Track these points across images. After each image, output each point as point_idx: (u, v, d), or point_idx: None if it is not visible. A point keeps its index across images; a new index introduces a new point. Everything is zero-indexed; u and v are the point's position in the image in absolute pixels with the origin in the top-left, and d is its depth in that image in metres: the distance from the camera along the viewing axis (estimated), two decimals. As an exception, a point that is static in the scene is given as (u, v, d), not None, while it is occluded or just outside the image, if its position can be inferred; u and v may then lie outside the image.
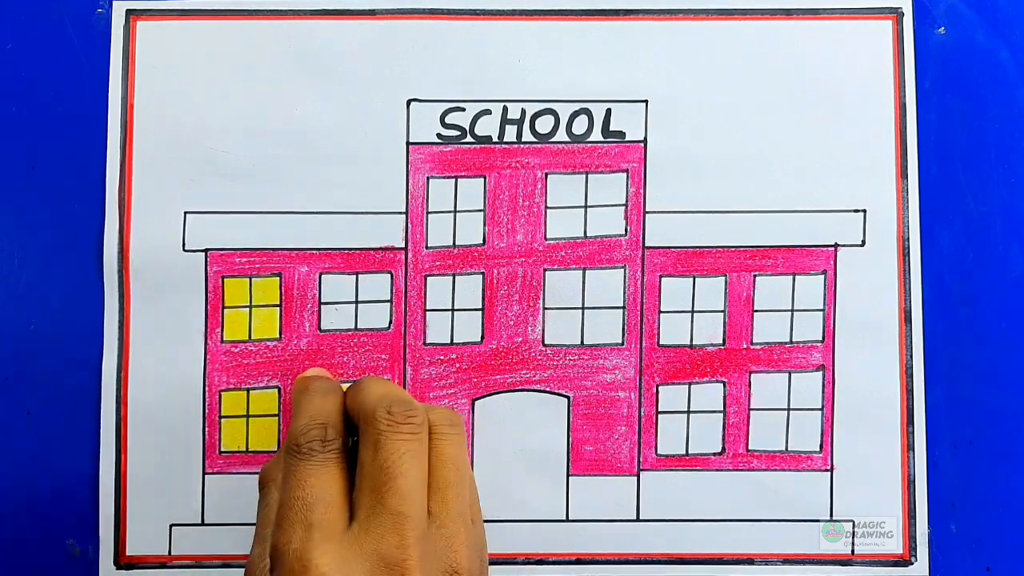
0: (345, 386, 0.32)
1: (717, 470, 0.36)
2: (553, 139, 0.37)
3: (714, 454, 0.37)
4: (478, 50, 0.37)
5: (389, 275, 0.37)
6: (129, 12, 0.37)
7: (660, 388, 0.37)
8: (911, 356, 0.37)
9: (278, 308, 0.36)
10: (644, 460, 0.37)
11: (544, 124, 0.37)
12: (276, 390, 0.36)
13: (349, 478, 0.28)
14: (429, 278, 0.37)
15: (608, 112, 0.37)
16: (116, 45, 0.37)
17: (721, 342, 0.37)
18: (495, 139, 0.37)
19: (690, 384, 0.37)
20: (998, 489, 0.37)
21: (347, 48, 0.37)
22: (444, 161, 0.37)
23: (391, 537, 0.26)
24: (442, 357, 0.36)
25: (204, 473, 0.36)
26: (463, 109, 0.37)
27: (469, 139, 0.37)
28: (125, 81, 0.37)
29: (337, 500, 0.27)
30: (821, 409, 0.37)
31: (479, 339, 0.36)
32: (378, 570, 0.26)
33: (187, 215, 0.36)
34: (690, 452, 0.37)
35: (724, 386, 0.37)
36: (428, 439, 0.29)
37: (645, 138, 0.37)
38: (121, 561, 0.36)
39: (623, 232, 0.37)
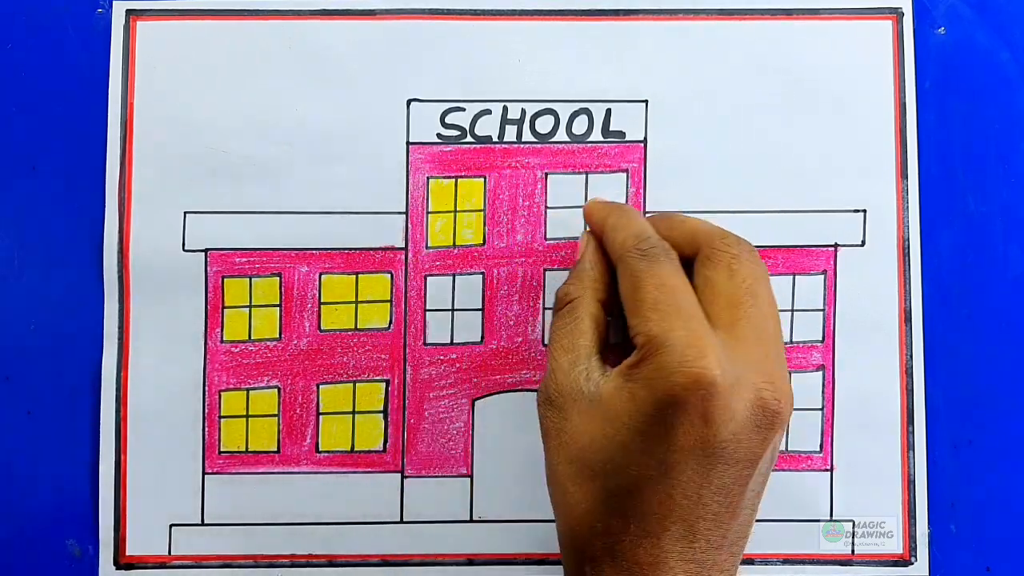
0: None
1: (717, 470, 0.36)
2: (553, 139, 0.37)
3: (714, 454, 0.37)
4: (478, 50, 0.37)
5: (389, 275, 0.37)
6: (129, 12, 0.37)
7: (660, 388, 0.37)
8: (911, 356, 0.37)
9: (278, 308, 0.36)
10: (644, 460, 0.36)
11: (544, 124, 0.37)
12: (276, 390, 0.36)
13: None
14: (429, 278, 0.37)
15: (608, 112, 0.37)
16: (116, 45, 0.37)
17: (721, 342, 0.37)
18: (495, 139, 0.37)
19: (690, 384, 0.37)
20: (998, 489, 0.37)
21: (347, 48, 0.37)
22: (444, 161, 0.37)
23: (760, 349, 0.27)
24: (442, 357, 0.36)
25: (204, 473, 0.36)
26: (463, 109, 0.37)
27: (469, 139, 0.37)
28: (125, 81, 0.37)
29: (698, 303, 0.28)
30: (821, 409, 0.37)
31: (479, 339, 0.36)
32: (756, 375, 0.27)
33: (187, 215, 0.36)
34: (690, 452, 0.37)
35: (724, 386, 0.37)
36: None
37: (645, 138, 0.37)
38: (121, 561, 0.36)
39: (623, 232, 0.37)
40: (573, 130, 0.37)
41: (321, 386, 0.36)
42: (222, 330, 0.36)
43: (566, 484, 0.28)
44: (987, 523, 0.37)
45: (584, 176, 0.37)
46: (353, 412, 0.36)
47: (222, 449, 0.36)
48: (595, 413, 0.27)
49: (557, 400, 0.28)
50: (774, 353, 0.28)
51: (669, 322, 0.26)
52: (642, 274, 0.28)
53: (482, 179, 0.37)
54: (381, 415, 0.36)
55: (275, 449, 0.36)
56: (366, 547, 0.36)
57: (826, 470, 0.36)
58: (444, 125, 0.37)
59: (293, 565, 0.36)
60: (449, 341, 0.37)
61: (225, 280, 0.36)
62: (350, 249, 0.37)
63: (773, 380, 0.27)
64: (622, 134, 0.37)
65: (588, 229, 0.32)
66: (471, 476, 0.36)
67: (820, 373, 0.37)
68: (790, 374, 0.30)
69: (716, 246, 0.29)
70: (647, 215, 0.35)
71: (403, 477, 0.36)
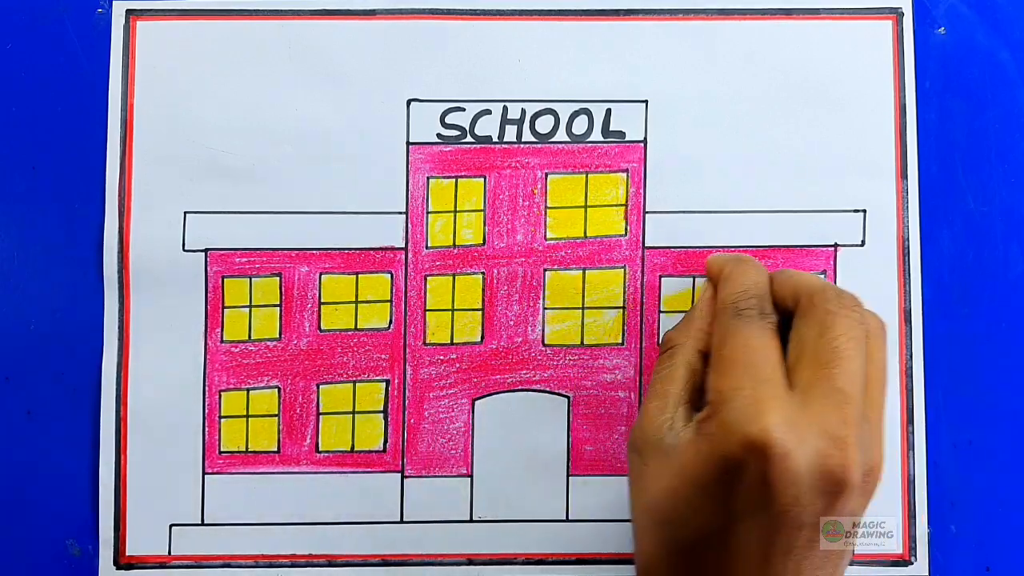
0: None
1: (717, 470, 0.36)
2: (553, 139, 0.37)
3: (714, 454, 0.37)
4: (478, 50, 0.37)
5: (389, 275, 0.37)
6: (129, 12, 0.37)
7: (660, 388, 0.37)
8: (911, 356, 0.37)
9: (278, 308, 0.36)
10: (644, 460, 0.36)
11: (544, 124, 0.37)
12: (276, 390, 0.36)
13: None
14: (429, 278, 0.37)
15: (608, 112, 0.37)
16: (116, 45, 0.37)
17: (721, 342, 0.37)
18: (495, 139, 0.37)
19: (690, 384, 0.37)
20: (998, 489, 0.37)
21: (347, 48, 0.37)
22: (444, 161, 0.37)
23: (835, 412, 0.26)
24: (442, 357, 0.36)
25: (204, 473, 0.36)
26: (463, 109, 0.37)
27: (469, 139, 0.37)
28: (125, 81, 0.37)
29: (780, 365, 0.27)
30: (821, 409, 0.37)
31: (479, 339, 0.37)
32: (822, 439, 0.25)
33: (187, 215, 0.36)
34: (690, 452, 0.37)
35: (724, 386, 0.37)
36: None
37: (645, 138, 0.37)
38: (121, 561, 0.36)
39: (623, 232, 0.37)
40: (573, 130, 0.37)
41: (321, 386, 0.36)
42: (222, 330, 0.36)
43: (639, 531, 0.28)
44: (987, 523, 0.37)
45: (584, 176, 0.37)
46: (353, 412, 0.36)
47: (222, 449, 0.36)
48: (669, 463, 0.27)
49: (640, 446, 0.28)
50: (854, 417, 0.26)
51: (738, 381, 0.26)
52: (728, 331, 0.28)
53: (482, 179, 0.37)
54: (381, 415, 0.36)
55: (275, 449, 0.36)
56: (366, 547, 0.36)
57: (826, 470, 0.36)
58: (444, 125, 0.37)
59: (293, 565, 0.36)
60: (449, 341, 0.37)
61: (225, 280, 0.36)
62: (350, 249, 0.37)
63: (843, 446, 0.26)
64: (622, 134, 0.37)
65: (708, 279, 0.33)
66: (471, 476, 0.36)
67: (820, 373, 0.37)
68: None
69: (813, 301, 0.28)
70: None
71: (403, 477, 0.36)
